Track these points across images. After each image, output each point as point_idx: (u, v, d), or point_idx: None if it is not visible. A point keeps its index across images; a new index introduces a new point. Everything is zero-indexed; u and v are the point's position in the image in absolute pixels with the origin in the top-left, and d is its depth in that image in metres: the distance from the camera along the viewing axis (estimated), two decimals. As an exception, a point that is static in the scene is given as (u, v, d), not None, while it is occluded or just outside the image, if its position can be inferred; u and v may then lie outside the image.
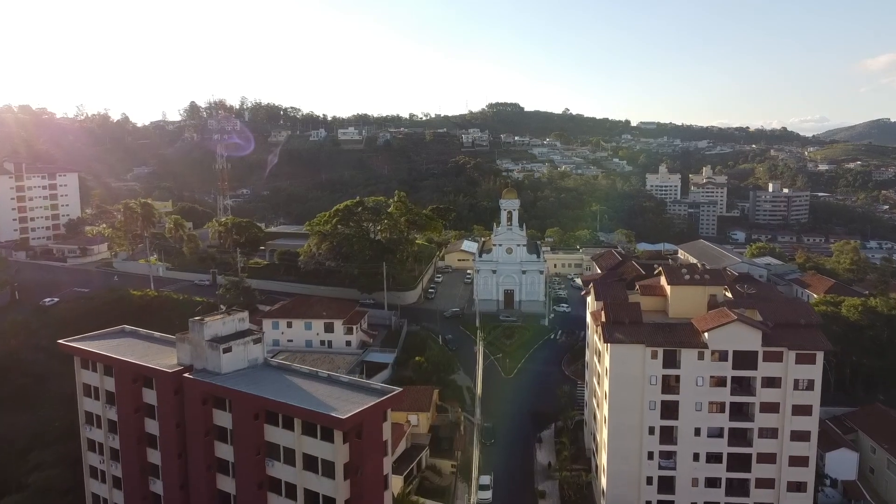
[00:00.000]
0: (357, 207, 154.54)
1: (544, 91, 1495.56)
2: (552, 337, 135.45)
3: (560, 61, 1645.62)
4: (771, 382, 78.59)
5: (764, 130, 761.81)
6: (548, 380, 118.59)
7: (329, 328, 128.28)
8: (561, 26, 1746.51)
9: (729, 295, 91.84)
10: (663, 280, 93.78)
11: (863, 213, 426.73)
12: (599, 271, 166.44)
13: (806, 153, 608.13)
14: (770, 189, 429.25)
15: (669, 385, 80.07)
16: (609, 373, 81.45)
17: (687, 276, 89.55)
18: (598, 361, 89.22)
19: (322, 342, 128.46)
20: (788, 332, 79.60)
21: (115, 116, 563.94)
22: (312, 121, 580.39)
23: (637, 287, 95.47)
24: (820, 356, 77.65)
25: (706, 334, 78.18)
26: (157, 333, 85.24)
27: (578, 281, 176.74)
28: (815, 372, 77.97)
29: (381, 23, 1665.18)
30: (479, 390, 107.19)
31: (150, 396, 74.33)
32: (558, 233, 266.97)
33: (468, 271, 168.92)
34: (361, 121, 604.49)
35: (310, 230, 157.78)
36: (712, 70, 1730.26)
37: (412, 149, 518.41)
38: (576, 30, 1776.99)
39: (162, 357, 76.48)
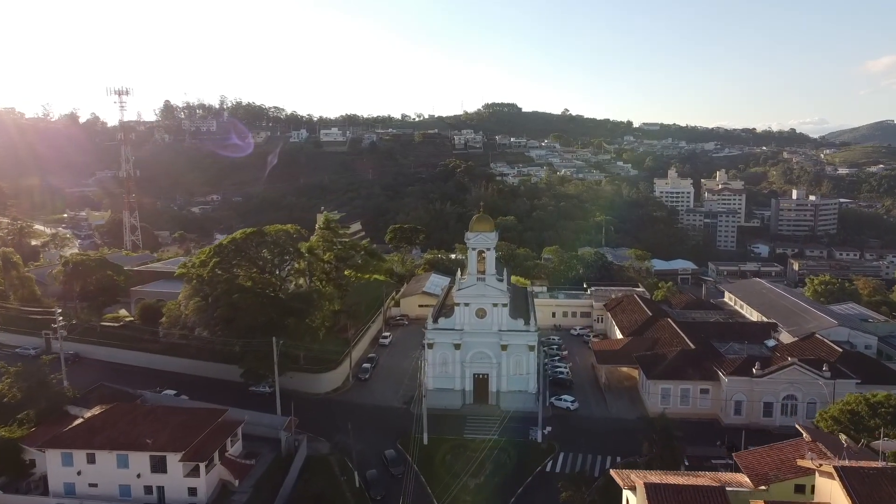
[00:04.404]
0: (251, 242, 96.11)
1: (543, 92, 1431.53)
2: (548, 468, 76.98)
3: (559, 62, 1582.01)
4: None
5: (772, 132, 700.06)
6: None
7: (159, 465, 70.18)
8: (560, 27, 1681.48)
9: None
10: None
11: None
12: (620, 334, 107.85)
13: (822, 156, 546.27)
14: (794, 195, 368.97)
15: None
16: None
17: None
18: None
19: (147, 489, 70.61)
20: None
21: (86, 116, 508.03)
22: (296, 121, 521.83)
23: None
24: None
25: None
26: None
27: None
28: None
29: (377, 22, 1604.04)
30: None
31: None
32: (558, 252, 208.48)
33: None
34: (349, 121, 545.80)
35: (185, 275, 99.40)
36: (711, 71, 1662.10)
37: (399, 151, 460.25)
38: (575, 31, 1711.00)
39: None
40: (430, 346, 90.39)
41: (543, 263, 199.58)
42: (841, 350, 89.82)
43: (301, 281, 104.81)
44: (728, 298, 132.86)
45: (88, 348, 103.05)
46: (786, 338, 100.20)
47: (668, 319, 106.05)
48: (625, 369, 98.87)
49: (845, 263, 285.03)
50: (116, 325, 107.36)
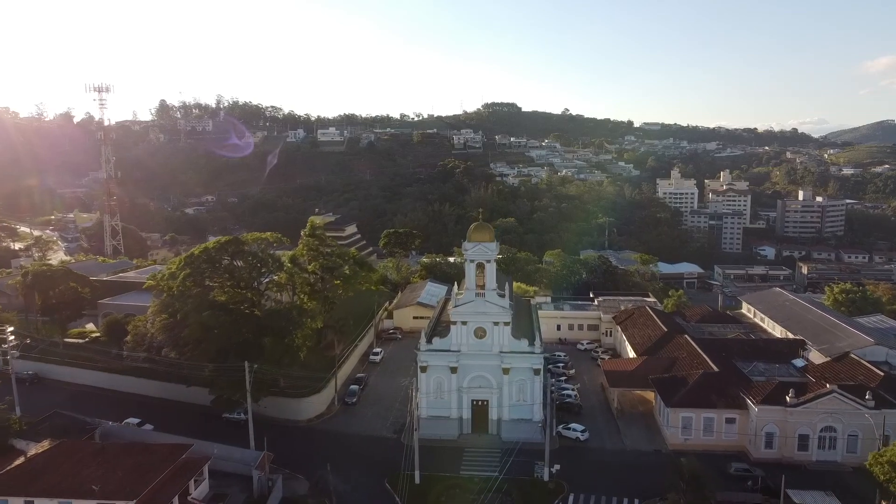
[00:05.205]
0: (226, 252, 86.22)
1: (543, 92, 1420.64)
2: (557, 512, 67.14)
3: (559, 62, 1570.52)
4: None
5: (773, 132, 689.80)
6: None
7: (108, 516, 60.36)
8: (560, 27, 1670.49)
9: None
10: None
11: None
12: (632, 351, 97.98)
13: (826, 156, 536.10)
14: (800, 196, 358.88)
15: None
16: None
17: None
18: None
19: (95, 542, 60.68)
20: None
21: (80, 115, 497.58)
22: (293, 121, 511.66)
23: None
24: None
25: None
26: None
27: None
28: None
29: (376, 21, 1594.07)
30: None
31: None
32: (560, 256, 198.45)
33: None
34: (347, 121, 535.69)
35: (154, 287, 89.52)
36: (710, 72, 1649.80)
37: (398, 151, 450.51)
38: (574, 30, 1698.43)
39: None
40: (424, 369, 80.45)
41: (545, 267, 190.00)
42: (882, 373, 79.86)
43: (284, 295, 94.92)
44: (746, 310, 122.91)
45: (49, 368, 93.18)
46: (816, 357, 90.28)
47: (686, 336, 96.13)
48: (639, 392, 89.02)
49: (855, 267, 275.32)
50: (81, 341, 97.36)
